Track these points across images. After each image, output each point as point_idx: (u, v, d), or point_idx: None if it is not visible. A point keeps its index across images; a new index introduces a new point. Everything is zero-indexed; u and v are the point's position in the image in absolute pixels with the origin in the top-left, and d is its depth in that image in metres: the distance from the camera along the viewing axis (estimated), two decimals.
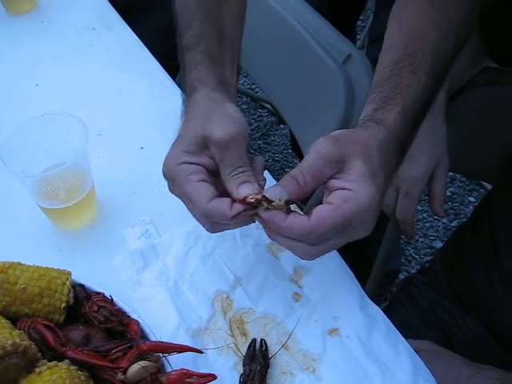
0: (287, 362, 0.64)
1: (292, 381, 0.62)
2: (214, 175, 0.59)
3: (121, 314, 0.63)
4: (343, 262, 0.72)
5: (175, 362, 0.59)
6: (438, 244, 1.77)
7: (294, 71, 1.01)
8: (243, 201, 0.56)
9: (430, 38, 0.62)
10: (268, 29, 1.02)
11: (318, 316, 0.67)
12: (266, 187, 0.60)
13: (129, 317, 0.63)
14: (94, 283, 0.66)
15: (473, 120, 0.92)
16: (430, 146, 0.85)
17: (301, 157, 1.25)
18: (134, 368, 0.56)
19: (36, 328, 0.59)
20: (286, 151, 2.08)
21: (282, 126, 2.15)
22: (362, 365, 0.63)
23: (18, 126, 0.72)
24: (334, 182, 0.55)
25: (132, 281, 0.71)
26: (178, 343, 0.60)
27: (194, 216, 0.60)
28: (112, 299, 0.64)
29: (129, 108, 0.95)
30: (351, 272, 0.71)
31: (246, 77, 2.27)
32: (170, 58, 0.81)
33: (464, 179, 1.91)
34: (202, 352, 0.60)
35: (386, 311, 0.67)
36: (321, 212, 0.53)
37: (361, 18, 1.97)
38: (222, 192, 0.58)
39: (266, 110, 2.23)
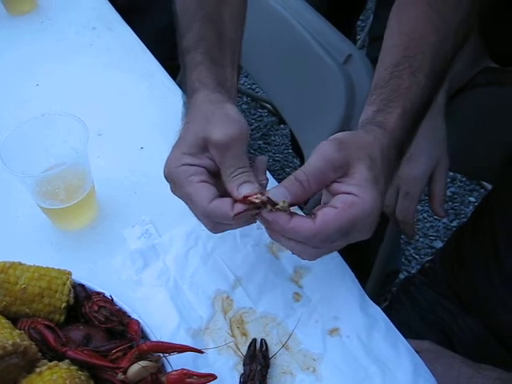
0: (287, 361, 0.64)
1: (292, 381, 0.62)
2: (215, 176, 0.60)
3: (121, 313, 0.63)
4: (343, 262, 0.72)
5: (175, 362, 0.59)
6: (438, 244, 1.77)
7: (294, 71, 1.01)
8: (244, 200, 0.56)
9: (429, 41, 0.62)
10: (268, 29, 1.02)
11: (319, 316, 0.67)
12: (268, 187, 0.60)
13: (129, 317, 0.63)
14: (94, 283, 0.66)
15: (473, 120, 0.92)
16: (430, 145, 0.85)
17: (301, 157, 1.25)
18: (135, 368, 0.56)
19: (36, 328, 0.59)
20: (286, 151, 2.08)
21: (282, 126, 2.15)
22: (362, 365, 0.63)
23: (18, 126, 0.72)
24: (337, 186, 0.55)
25: (132, 281, 0.71)
26: (178, 343, 0.61)
27: (197, 216, 0.61)
28: (112, 299, 0.64)
29: (129, 108, 0.95)
30: (351, 272, 0.71)
31: (246, 77, 2.27)
32: (170, 59, 0.81)
33: (464, 179, 1.91)
34: (202, 352, 0.60)
35: (386, 311, 0.67)
36: (326, 215, 0.53)
37: (361, 17, 1.98)
38: (224, 193, 0.59)
39: (266, 110, 2.23)
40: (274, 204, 0.54)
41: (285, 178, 0.56)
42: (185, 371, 0.57)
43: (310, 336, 0.66)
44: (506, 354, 0.80)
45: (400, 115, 0.58)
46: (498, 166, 0.89)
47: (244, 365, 0.63)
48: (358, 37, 2.15)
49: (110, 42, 1.09)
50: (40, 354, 0.57)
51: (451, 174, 1.86)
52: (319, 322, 0.67)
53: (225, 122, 0.59)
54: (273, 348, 0.65)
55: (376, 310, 0.67)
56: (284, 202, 0.54)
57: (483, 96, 0.90)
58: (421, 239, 1.79)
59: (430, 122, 0.81)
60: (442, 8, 0.63)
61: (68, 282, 0.63)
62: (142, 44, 1.07)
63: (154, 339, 0.61)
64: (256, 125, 2.19)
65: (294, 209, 0.57)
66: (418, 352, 0.64)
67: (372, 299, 0.69)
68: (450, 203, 1.86)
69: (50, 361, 0.57)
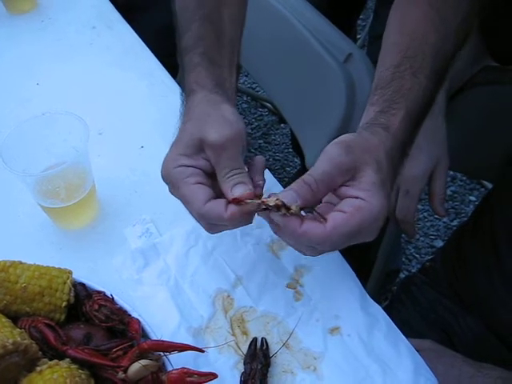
0: (288, 360, 0.64)
1: (293, 379, 0.62)
2: (212, 177, 0.60)
3: (122, 312, 0.63)
4: (344, 261, 0.72)
5: (176, 361, 0.59)
6: (439, 243, 1.77)
7: (294, 70, 1.01)
8: (238, 201, 0.56)
9: (429, 41, 0.62)
10: (268, 27, 1.02)
11: (319, 315, 0.67)
12: (265, 187, 0.60)
13: (129, 316, 0.63)
14: (94, 282, 0.66)
15: (473, 119, 0.92)
16: (430, 145, 0.85)
17: (301, 156, 1.25)
18: (135, 367, 0.56)
19: (37, 327, 0.59)
20: (286, 150, 2.08)
21: (282, 125, 2.15)
22: (362, 364, 0.63)
23: (18, 125, 0.72)
24: (345, 190, 0.55)
25: (133, 280, 0.71)
26: (178, 342, 0.60)
27: (194, 217, 0.61)
28: (113, 298, 0.64)
29: (129, 107, 0.95)
30: (352, 271, 0.71)
31: (246, 76, 2.26)
32: (170, 57, 0.81)
33: (465, 178, 1.91)
34: (202, 351, 0.60)
35: (386, 310, 0.67)
36: (336, 220, 0.53)
37: (361, 17, 1.98)
38: (220, 194, 0.59)
39: (266, 109, 2.23)
40: (288, 208, 0.54)
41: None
42: (185, 370, 0.57)
43: (310, 335, 0.66)
44: (506, 352, 0.80)
45: (403, 117, 0.58)
46: (498, 166, 0.89)
47: (245, 364, 0.63)
48: (359, 36, 2.15)
49: (110, 41, 1.09)
50: (40, 352, 0.57)
51: (451, 173, 1.86)
52: (320, 320, 0.67)
53: (221, 123, 0.59)
54: (273, 347, 0.65)
55: (377, 309, 0.67)
56: (296, 206, 0.54)
57: (483, 95, 0.90)
58: (421, 238, 1.79)
59: (430, 121, 0.81)
60: (442, 7, 0.63)
61: (68, 281, 0.63)
62: (142, 43, 1.07)
63: (154, 338, 0.61)
64: (256, 124, 2.18)
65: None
66: (418, 351, 0.64)
67: (373, 298, 0.69)
68: (451, 202, 1.86)
69: (51, 360, 0.57)
